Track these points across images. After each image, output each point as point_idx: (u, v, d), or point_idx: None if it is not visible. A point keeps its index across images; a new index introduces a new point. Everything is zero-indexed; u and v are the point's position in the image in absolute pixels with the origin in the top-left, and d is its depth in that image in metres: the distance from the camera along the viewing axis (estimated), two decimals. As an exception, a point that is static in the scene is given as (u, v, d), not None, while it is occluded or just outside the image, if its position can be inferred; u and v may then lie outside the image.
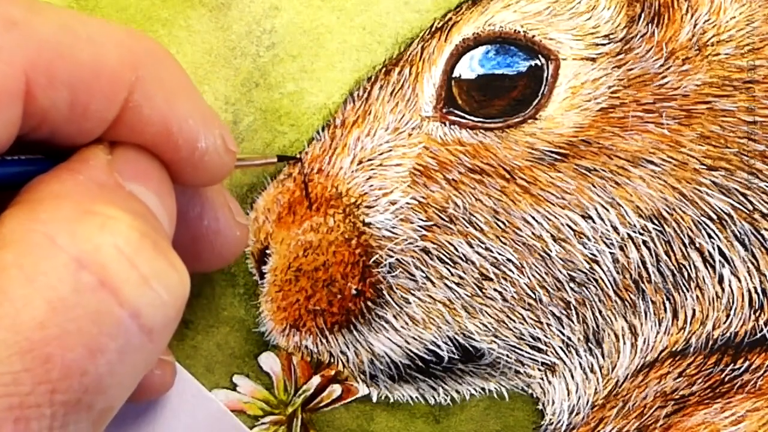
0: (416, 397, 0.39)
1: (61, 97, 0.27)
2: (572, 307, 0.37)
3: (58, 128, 0.28)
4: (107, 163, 0.28)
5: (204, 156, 0.30)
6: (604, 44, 0.36)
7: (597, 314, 0.37)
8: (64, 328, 0.24)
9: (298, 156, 0.38)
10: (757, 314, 0.36)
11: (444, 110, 0.37)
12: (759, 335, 0.37)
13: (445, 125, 0.37)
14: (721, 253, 0.36)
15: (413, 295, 0.37)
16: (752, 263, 0.36)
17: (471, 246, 0.37)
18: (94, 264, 0.25)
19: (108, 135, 0.29)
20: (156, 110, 0.29)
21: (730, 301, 0.36)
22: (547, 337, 0.37)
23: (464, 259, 0.37)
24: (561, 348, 0.38)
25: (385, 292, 0.37)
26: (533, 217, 0.36)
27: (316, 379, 0.39)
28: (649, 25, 0.37)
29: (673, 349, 0.37)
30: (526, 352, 0.38)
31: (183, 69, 0.31)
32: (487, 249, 0.37)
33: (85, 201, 0.26)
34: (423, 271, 0.37)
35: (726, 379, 0.36)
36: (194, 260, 0.34)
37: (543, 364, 0.38)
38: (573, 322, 0.37)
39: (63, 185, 0.27)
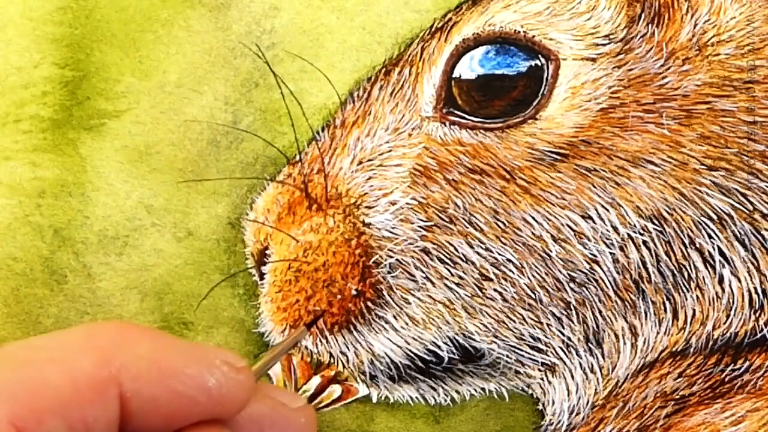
0: (416, 398, 0.39)
1: (56, 426, 0.27)
2: (572, 308, 0.37)
3: None
4: None
5: (221, 389, 0.29)
6: (604, 44, 0.36)
7: (597, 314, 0.37)
8: None
9: (320, 311, 0.37)
10: (757, 314, 0.36)
11: (444, 110, 0.37)
12: (759, 335, 0.36)
13: (445, 125, 0.37)
14: (721, 254, 0.36)
15: (413, 295, 0.37)
16: (752, 263, 0.36)
17: (471, 246, 0.37)
18: None
19: (125, 426, 0.28)
20: (153, 385, 0.28)
21: (731, 301, 0.36)
22: (547, 337, 0.37)
23: (464, 259, 0.37)
24: (561, 348, 0.38)
25: (385, 293, 0.37)
26: (533, 218, 0.36)
27: (316, 380, 0.39)
28: (649, 25, 0.37)
29: (673, 349, 0.37)
30: (526, 352, 0.38)
31: (155, 331, 0.31)
32: (487, 249, 0.37)
33: None
34: (423, 272, 0.37)
35: (726, 379, 0.36)
36: None
37: (543, 364, 0.38)
38: (573, 322, 0.37)
39: None
